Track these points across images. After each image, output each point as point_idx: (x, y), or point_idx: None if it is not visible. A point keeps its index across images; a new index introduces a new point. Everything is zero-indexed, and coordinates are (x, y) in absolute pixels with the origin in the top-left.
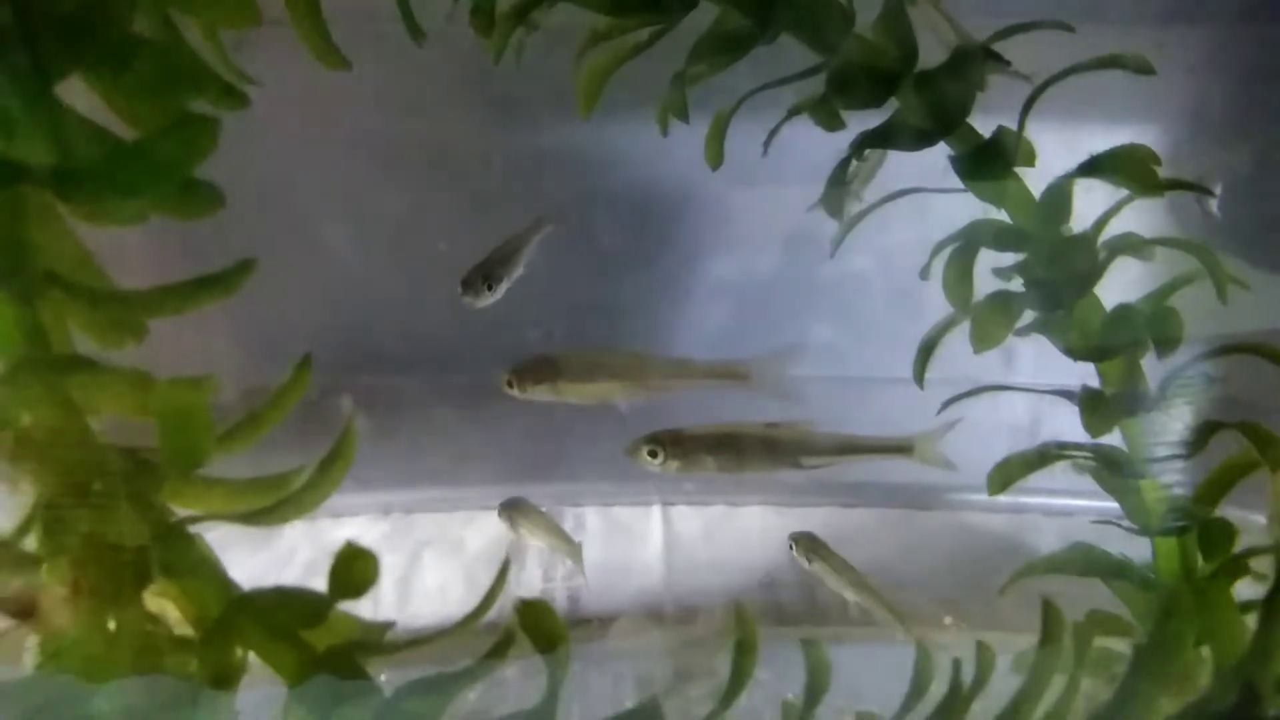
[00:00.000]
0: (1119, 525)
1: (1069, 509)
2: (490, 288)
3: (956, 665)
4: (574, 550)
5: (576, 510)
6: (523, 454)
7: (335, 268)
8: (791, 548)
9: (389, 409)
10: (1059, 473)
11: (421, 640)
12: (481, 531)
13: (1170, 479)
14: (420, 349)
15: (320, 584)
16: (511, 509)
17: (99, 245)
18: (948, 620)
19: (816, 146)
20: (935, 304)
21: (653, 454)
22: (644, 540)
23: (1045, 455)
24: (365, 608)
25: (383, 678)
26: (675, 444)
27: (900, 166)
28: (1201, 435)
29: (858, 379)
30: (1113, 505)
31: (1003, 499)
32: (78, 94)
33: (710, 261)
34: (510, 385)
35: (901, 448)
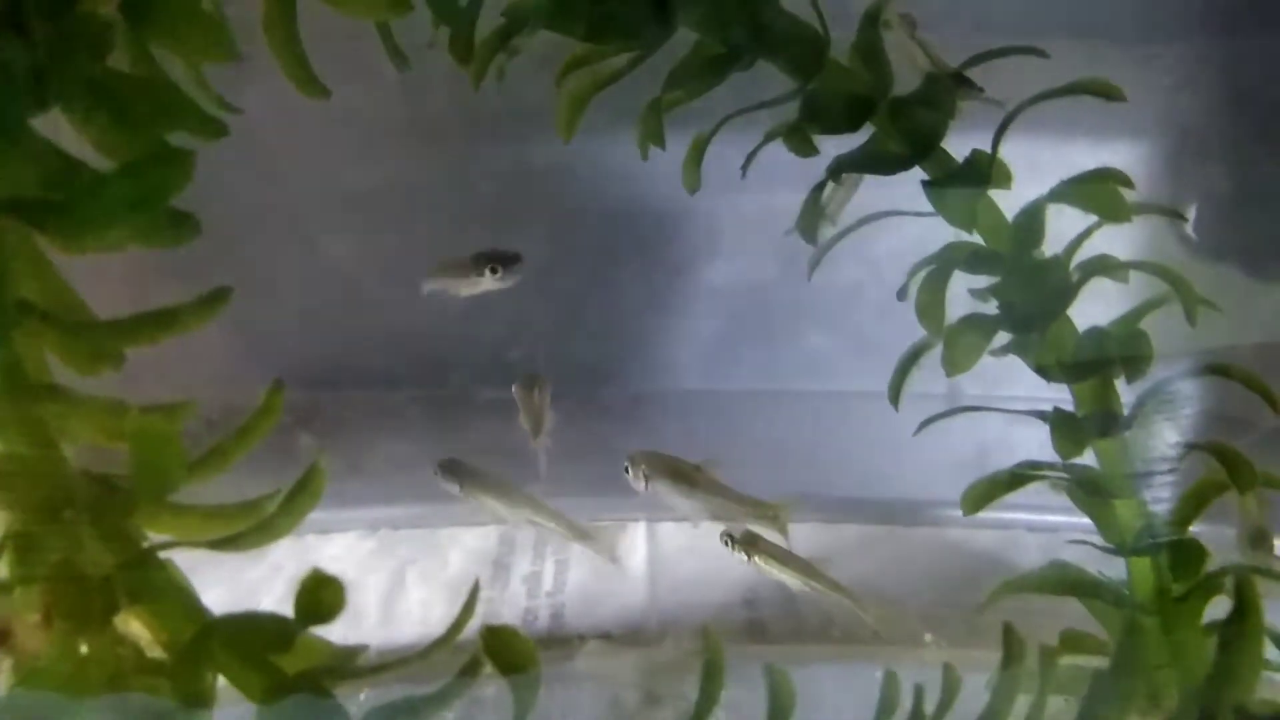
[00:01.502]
0: (1093, 545)
1: (1053, 525)
2: (506, 269)
3: (919, 691)
4: (578, 530)
5: None
6: (507, 469)
7: (319, 282)
8: (727, 543)
9: (372, 425)
10: (1040, 489)
11: (392, 665)
12: (465, 547)
13: (1153, 496)
14: (403, 364)
15: None
16: (454, 471)
17: (80, 257)
18: (929, 637)
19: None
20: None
21: None
22: (628, 556)
23: (1018, 476)
24: (355, 616)
25: (361, 697)
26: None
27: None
28: (1177, 455)
29: (851, 394)
30: None
31: (986, 515)
32: (56, 126)
33: (701, 272)
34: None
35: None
